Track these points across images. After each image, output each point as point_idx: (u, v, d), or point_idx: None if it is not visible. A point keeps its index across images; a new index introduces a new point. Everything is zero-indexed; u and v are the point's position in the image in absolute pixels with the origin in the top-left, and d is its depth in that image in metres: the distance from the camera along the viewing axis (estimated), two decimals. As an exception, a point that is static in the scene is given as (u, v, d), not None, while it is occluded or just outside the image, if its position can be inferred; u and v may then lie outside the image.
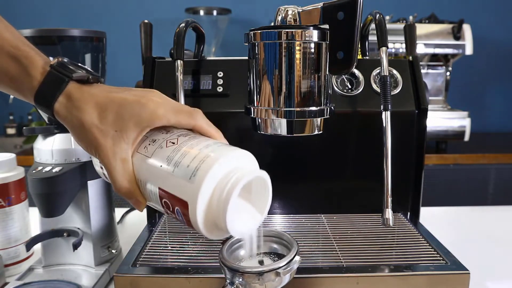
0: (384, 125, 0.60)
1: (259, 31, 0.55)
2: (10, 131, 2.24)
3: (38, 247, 0.65)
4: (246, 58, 0.58)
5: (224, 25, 2.16)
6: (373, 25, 0.65)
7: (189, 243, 0.62)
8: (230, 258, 0.46)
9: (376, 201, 0.61)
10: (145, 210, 0.59)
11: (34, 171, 0.59)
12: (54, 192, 0.58)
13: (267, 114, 0.56)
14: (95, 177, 0.63)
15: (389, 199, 0.59)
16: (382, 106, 0.60)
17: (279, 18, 0.58)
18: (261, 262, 0.47)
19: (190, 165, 0.36)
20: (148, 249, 0.61)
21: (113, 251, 0.68)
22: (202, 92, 0.71)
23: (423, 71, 1.91)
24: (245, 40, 0.57)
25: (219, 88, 0.71)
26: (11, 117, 2.26)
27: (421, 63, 1.75)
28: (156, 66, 0.73)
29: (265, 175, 0.39)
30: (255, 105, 0.57)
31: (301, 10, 0.58)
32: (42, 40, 0.60)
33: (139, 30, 0.73)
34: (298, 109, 0.55)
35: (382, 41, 0.62)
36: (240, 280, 0.43)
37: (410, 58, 0.74)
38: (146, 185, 0.39)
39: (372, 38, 0.66)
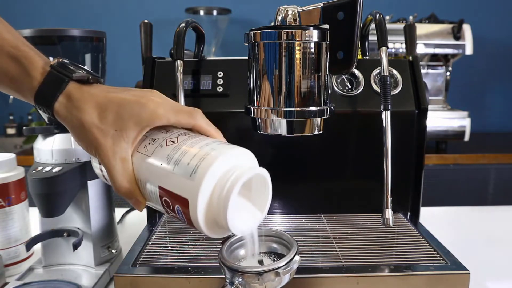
0: (384, 125, 0.60)
1: (259, 31, 0.55)
2: (10, 131, 2.24)
3: (38, 247, 0.65)
4: (246, 58, 0.58)
5: (224, 25, 2.16)
6: (373, 25, 0.65)
7: (189, 243, 0.62)
8: (230, 258, 0.46)
9: (376, 201, 0.61)
10: (145, 210, 0.59)
11: (34, 171, 0.59)
12: (54, 192, 0.58)
13: (267, 114, 0.56)
14: (95, 177, 0.63)
15: (389, 199, 0.59)
16: (382, 106, 0.60)
17: (279, 18, 0.58)
18: (260, 262, 0.47)
19: (190, 163, 0.36)
20: (148, 249, 0.61)
21: (113, 251, 0.68)
22: (202, 92, 0.71)
23: (423, 71, 1.91)
24: (245, 40, 0.57)
25: (219, 88, 0.71)
26: (11, 117, 2.26)
27: (421, 63, 1.75)
28: (156, 66, 0.73)
29: (265, 173, 0.39)
30: (255, 105, 0.57)
31: (301, 10, 0.58)
32: (42, 40, 0.60)
33: (139, 30, 0.73)
34: (298, 109, 0.55)
35: (382, 41, 0.62)
36: (240, 280, 0.43)
37: (410, 58, 0.74)
38: (146, 185, 0.39)
39: (372, 38, 0.66)
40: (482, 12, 2.25)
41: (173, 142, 0.39)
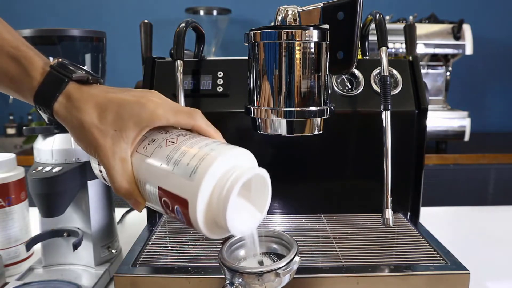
0: (384, 125, 0.60)
1: (259, 31, 0.55)
2: (10, 131, 2.24)
3: (38, 247, 0.65)
4: (246, 58, 0.58)
5: (224, 25, 2.16)
6: (373, 25, 0.65)
7: (189, 243, 0.62)
8: (230, 258, 0.46)
9: (376, 201, 0.61)
10: (145, 210, 0.59)
11: (34, 171, 0.59)
12: (54, 192, 0.58)
13: (267, 114, 0.56)
14: (95, 177, 0.62)
15: (389, 199, 0.59)
16: (382, 106, 0.60)
17: (279, 18, 0.58)
18: (260, 263, 0.47)
19: (190, 163, 0.36)
20: (148, 249, 0.61)
21: (113, 251, 0.68)
22: (202, 92, 0.71)
23: (423, 71, 1.91)
24: (245, 40, 0.57)
25: (219, 88, 0.71)
26: (11, 117, 2.26)
27: (421, 63, 1.75)
28: (156, 66, 0.73)
29: (264, 173, 0.39)
30: (255, 105, 0.57)
31: (301, 10, 0.58)
32: (42, 40, 0.60)
33: (139, 30, 0.73)
34: (298, 109, 0.55)
35: (382, 41, 0.62)
36: (240, 280, 0.43)
37: (410, 58, 0.74)
38: (145, 185, 0.39)
39: (372, 38, 0.66)
40: (482, 12, 2.25)
41: (173, 142, 0.39)
